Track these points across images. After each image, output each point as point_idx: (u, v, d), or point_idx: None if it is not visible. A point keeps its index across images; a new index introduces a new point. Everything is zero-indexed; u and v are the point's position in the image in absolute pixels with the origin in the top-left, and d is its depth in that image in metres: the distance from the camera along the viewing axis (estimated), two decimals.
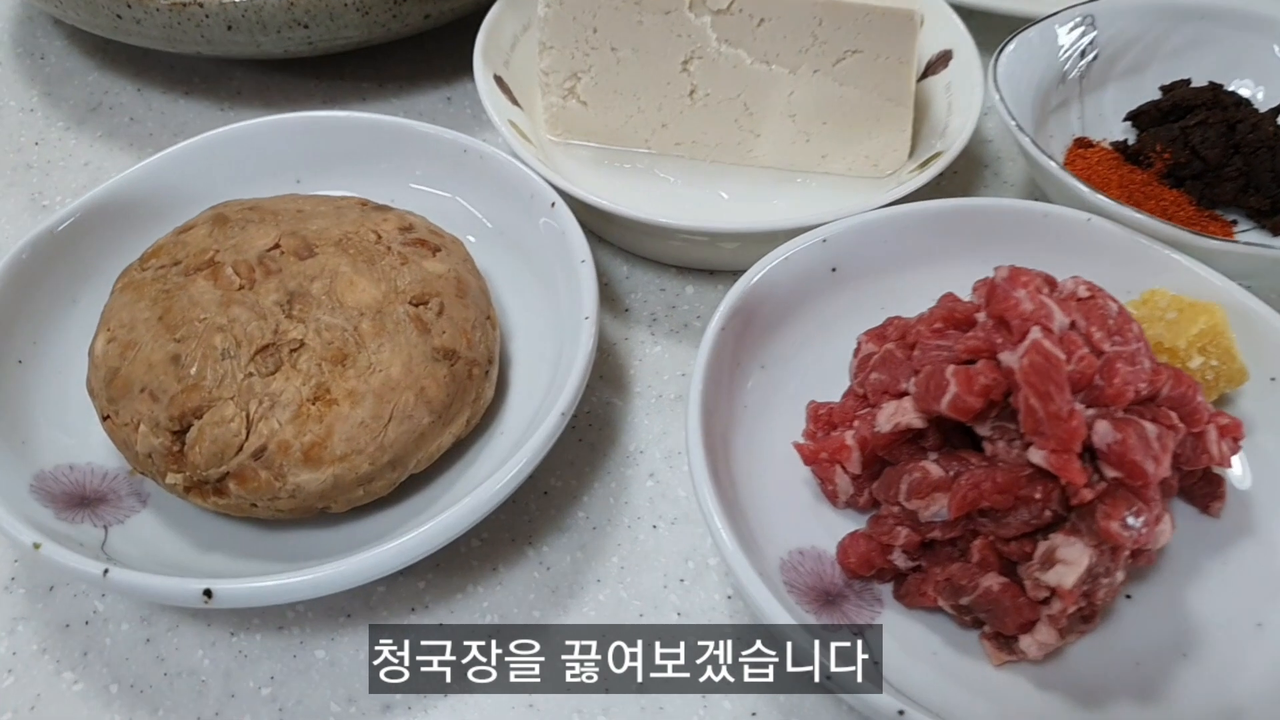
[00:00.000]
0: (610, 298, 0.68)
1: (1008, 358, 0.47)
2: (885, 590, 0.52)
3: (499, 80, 0.72)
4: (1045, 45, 0.72)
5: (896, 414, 0.50)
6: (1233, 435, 0.51)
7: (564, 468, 0.59)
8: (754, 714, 0.50)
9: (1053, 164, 0.63)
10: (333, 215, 0.58)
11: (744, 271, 0.68)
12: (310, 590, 0.46)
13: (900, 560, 0.50)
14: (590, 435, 0.61)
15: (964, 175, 0.76)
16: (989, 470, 0.47)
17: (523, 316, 0.62)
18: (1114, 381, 0.47)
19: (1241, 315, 0.56)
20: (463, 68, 0.83)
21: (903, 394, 0.51)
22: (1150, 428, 0.46)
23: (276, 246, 0.55)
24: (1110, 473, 0.46)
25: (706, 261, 0.68)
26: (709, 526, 0.48)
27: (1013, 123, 0.65)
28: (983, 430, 0.48)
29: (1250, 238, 0.68)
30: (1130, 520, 0.45)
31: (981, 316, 0.50)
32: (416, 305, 0.55)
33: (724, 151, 0.72)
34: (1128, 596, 0.52)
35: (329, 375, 0.51)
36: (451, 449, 0.55)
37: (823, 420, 0.56)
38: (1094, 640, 0.50)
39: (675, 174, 0.72)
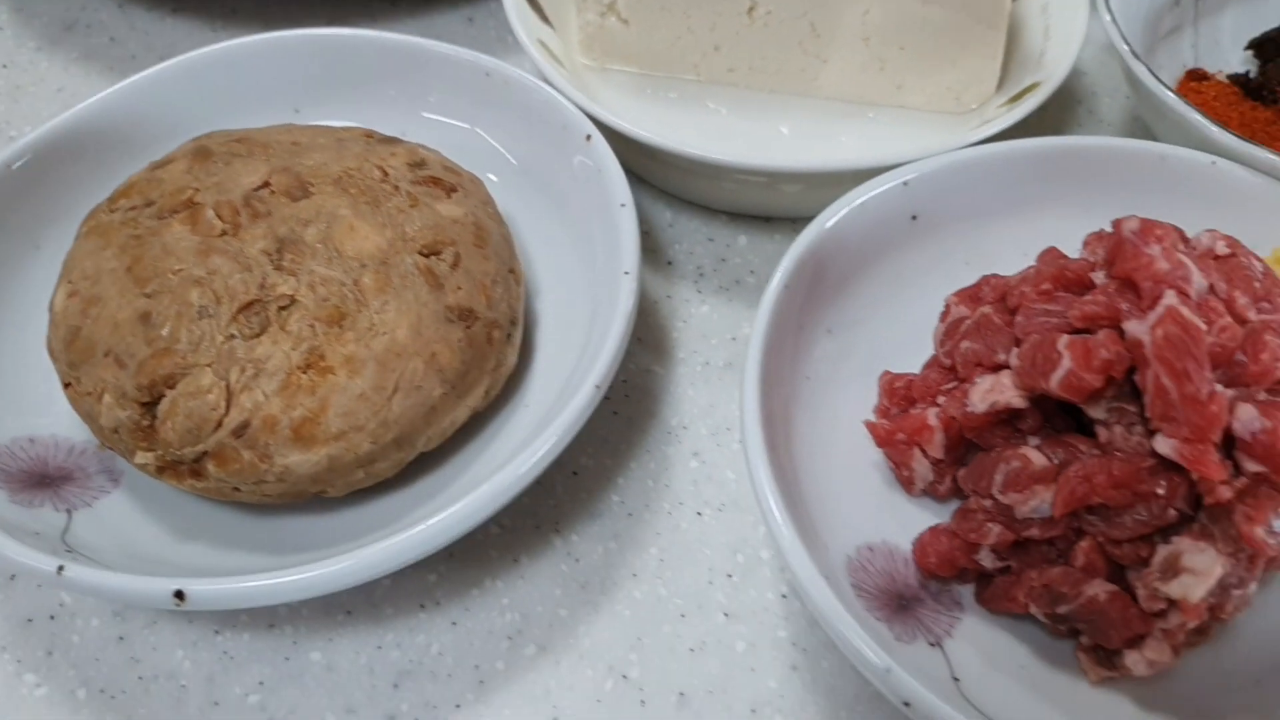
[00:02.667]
0: (651, 249, 0.60)
1: (1135, 328, 0.38)
2: (965, 592, 0.45)
3: None
4: None
5: (994, 391, 0.42)
6: None
7: (596, 445, 0.52)
8: None
9: (1173, 96, 0.53)
10: (333, 149, 0.51)
11: (804, 220, 0.60)
12: (297, 592, 0.40)
13: (988, 560, 0.43)
14: (627, 408, 0.53)
15: (1054, 113, 0.66)
16: (1103, 461, 0.39)
17: (551, 269, 0.55)
18: (1260, 357, 0.38)
19: None
20: None
21: (1000, 367, 0.43)
22: None
23: (266, 185, 0.47)
24: (1252, 466, 0.38)
25: (763, 207, 0.60)
26: (765, 517, 0.41)
27: (1125, 48, 0.55)
28: (1095, 412, 0.40)
29: None
30: (1275, 524, 0.37)
31: (1100, 277, 0.42)
32: (428, 256, 0.47)
33: (785, 79, 0.63)
34: None
35: (324, 338, 0.43)
36: (468, 423, 0.48)
37: (899, 395, 0.48)
38: (1208, 653, 0.43)
39: (728, 105, 0.64)
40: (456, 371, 0.46)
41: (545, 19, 0.64)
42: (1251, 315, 0.39)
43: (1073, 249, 0.48)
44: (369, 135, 0.53)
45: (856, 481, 0.48)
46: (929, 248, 0.53)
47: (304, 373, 0.42)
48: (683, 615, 0.46)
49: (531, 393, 0.50)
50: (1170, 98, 0.53)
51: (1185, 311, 0.37)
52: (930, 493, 0.47)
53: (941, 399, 0.46)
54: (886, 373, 0.49)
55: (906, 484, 0.47)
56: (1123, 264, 0.40)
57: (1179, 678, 0.42)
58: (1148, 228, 0.40)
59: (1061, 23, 0.61)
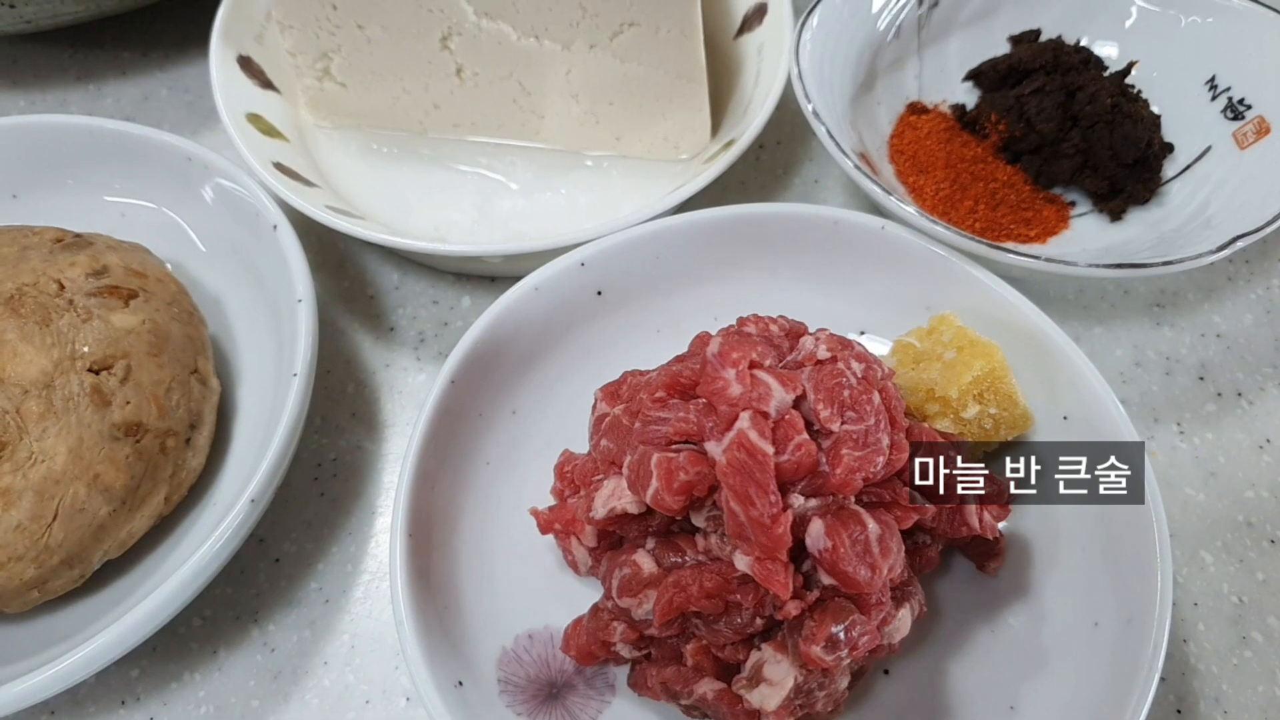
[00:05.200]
0: (373, 314, 0.61)
1: (713, 449, 0.41)
2: (621, 674, 0.48)
3: (245, 62, 0.63)
4: (858, 3, 0.63)
5: (614, 497, 0.44)
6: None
7: (300, 529, 0.54)
8: None
9: (849, 162, 0.55)
10: (12, 261, 0.51)
11: (524, 274, 0.61)
12: None
13: (625, 651, 0.46)
14: (334, 487, 0.55)
15: (788, 146, 0.68)
16: (696, 572, 0.42)
17: (254, 354, 0.56)
18: (837, 471, 0.41)
19: (1036, 346, 0.50)
20: None
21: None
22: (873, 528, 0.40)
23: None
24: (824, 579, 0.40)
25: (479, 270, 0.61)
26: (399, 637, 0.43)
27: (809, 106, 0.57)
28: (698, 520, 0.43)
29: (1088, 221, 0.61)
30: (838, 635, 0.39)
31: None
32: (97, 372, 0.48)
33: (508, 132, 0.64)
34: (885, 672, 0.47)
35: None
36: (159, 524, 0.50)
37: (569, 479, 0.50)
38: None
39: (457, 159, 0.65)
40: (125, 488, 0.47)
41: (269, 84, 0.64)
42: (836, 427, 0.41)
43: (762, 312, 0.50)
44: (59, 239, 0.54)
45: (530, 563, 0.50)
46: (616, 320, 0.55)
47: None
48: (367, 701, 0.49)
49: (220, 490, 0.52)
50: (847, 163, 0.55)
51: (753, 436, 0.40)
52: (595, 574, 0.49)
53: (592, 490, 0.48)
54: (565, 452, 0.51)
55: (573, 566, 0.49)
56: (704, 386, 0.42)
57: None
58: (728, 348, 0.42)
59: (770, 67, 0.62)
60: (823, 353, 0.44)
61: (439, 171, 0.64)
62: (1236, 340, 0.60)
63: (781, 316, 0.47)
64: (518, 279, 0.61)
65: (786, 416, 0.41)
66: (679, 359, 0.48)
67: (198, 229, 0.59)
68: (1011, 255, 0.51)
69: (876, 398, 0.43)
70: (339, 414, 0.57)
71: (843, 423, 0.42)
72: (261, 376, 0.55)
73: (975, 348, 0.48)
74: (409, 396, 0.58)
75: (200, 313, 0.54)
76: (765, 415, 0.40)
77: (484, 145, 0.65)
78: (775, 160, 0.67)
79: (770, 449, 0.40)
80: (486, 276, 0.62)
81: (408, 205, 0.62)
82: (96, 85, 0.72)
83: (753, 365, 0.42)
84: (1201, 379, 0.58)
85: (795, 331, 0.46)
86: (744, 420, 0.40)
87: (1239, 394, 0.58)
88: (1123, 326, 0.60)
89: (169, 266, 0.57)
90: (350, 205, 0.60)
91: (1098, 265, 0.51)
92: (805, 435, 0.41)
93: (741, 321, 0.47)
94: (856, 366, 0.43)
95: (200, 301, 0.56)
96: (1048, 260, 0.51)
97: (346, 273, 0.63)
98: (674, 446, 0.42)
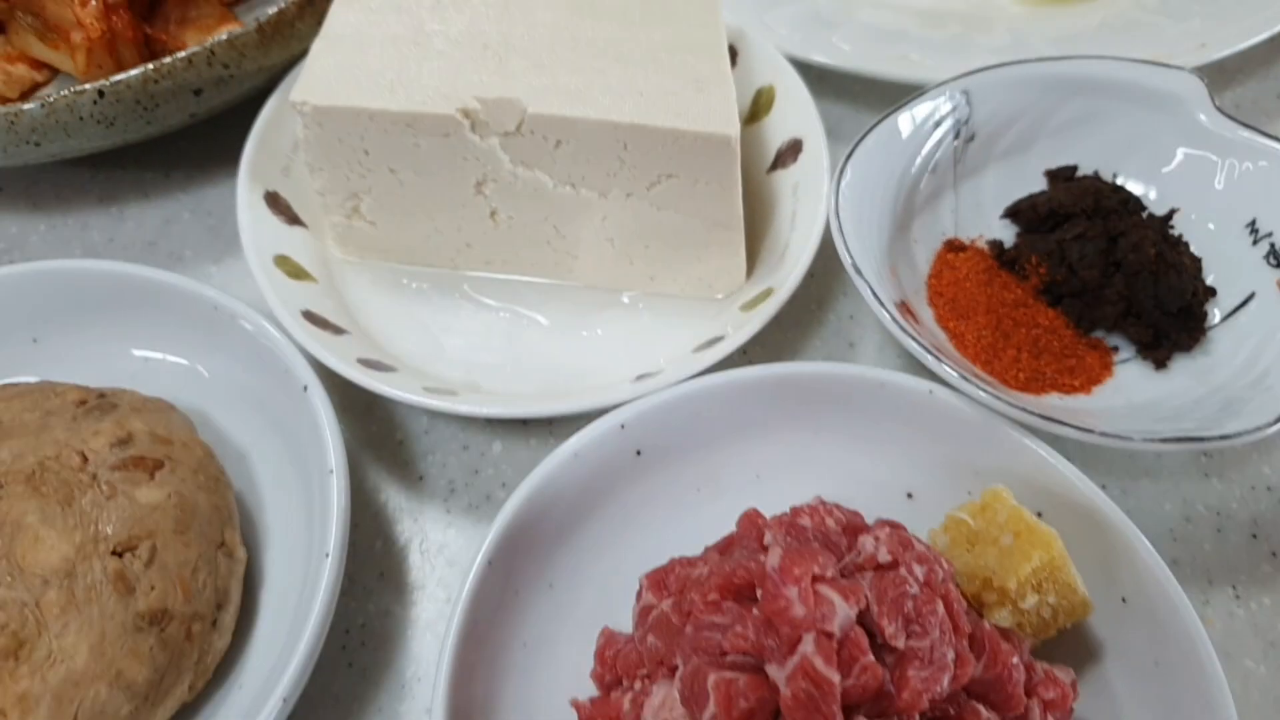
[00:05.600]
0: (402, 461, 0.59)
1: (775, 673, 0.39)
2: None
3: (272, 198, 0.62)
4: (894, 142, 0.61)
5: (663, 709, 0.42)
6: (1060, 709, 0.44)
7: (328, 704, 0.52)
8: None
9: (894, 324, 0.53)
10: (34, 430, 0.50)
11: (559, 420, 0.60)
12: None
13: None
14: (362, 657, 0.53)
15: (822, 280, 0.66)
16: None
17: (281, 516, 0.54)
18: (903, 694, 0.39)
19: (1092, 522, 0.49)
20: None
21: (675, 670, 0.44)
22: None
23: None
24: None
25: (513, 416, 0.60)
26: None
27: (849, 260, 0.55)
28: None
29: (1132, 369, 0.59)
30: None
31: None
32: (120, 554, 0.46)
33: (541, 271, 0.63)
34: None
35: None
36: (179, 711, 0.48)
37: (609, 665, 0.48)
38: None
39: (488, 294, 0.63)
40: (148, 681, 0.45)
41: (295, 219, 0.62)
42: (901, 644, 0.40)
43: (806, 471, 0.49)
44: (81, 400, 0.52)
45: None
46: (655, 479, 0.53)
47: None
48: None
49: (246, 671, 0.50)
50: (894, 327, 0.53)
51: (819, 664, 0.38)
52: None
53: (638, 685, 0.46)
54: (605, 630, 0.49)
55: None
56: (765, 604, 0.40)
57: None
58: (789, 563, 0.40)
59: (807, 210, 0.60)
60: (883, 556, 0.42)
61: (469, 306, 0.63)
62: None
63: (837, 506, 0.46)
64: (550, 421, 0.59)
65: (851, 634, 0.39)
66: (728, 544, 0.46)
67: (224, 380, 0.57)
68: (1066, 429, 0.50)
69: (940, 607, 0.41)
70: (366, 574, 0.55)
71: (907, 638, 0.40)
72: (289, 539, 0.53)
73: (1033, 534, 0.46)
74: (439, 554, 0.56)
75: (226, 475, 0.53)
76: (830, 635, 0.39)
77: (516, 282, 0.63)
78: (809, 295, 0.66)
79: (836, 676, 0.38)
80: (518, 420, 0.60)
81: (438, 346, 0.61)
82: (119, 208, 0.70)
83: (814, 580, 0.40)
84: (1254, 536, 0.57)
85: (853, 526, 0.45)
86: (808, 644, 0.38)
87: None
88: (1170, 479, 0.59)
89: (194, 421, 0.55)
90: (380, 348, 0.59)
91: (1153, 440, 0.50)
92: (870, 657, 0.39)
93: (795, 512, 0.45)
94: (918, 570, 0.42)
95: (225, 456, 0.54)
96: (1102, 435, 0.50)
97: (375, 416, 0.61)
98: (729, 659, 0.40)
